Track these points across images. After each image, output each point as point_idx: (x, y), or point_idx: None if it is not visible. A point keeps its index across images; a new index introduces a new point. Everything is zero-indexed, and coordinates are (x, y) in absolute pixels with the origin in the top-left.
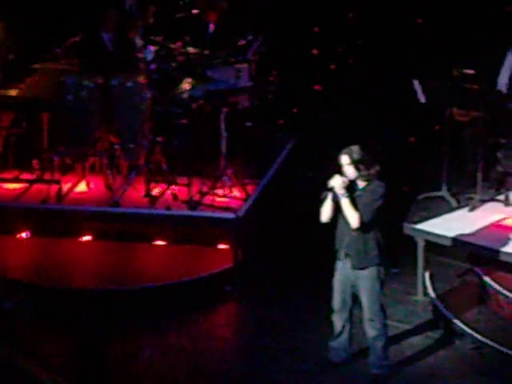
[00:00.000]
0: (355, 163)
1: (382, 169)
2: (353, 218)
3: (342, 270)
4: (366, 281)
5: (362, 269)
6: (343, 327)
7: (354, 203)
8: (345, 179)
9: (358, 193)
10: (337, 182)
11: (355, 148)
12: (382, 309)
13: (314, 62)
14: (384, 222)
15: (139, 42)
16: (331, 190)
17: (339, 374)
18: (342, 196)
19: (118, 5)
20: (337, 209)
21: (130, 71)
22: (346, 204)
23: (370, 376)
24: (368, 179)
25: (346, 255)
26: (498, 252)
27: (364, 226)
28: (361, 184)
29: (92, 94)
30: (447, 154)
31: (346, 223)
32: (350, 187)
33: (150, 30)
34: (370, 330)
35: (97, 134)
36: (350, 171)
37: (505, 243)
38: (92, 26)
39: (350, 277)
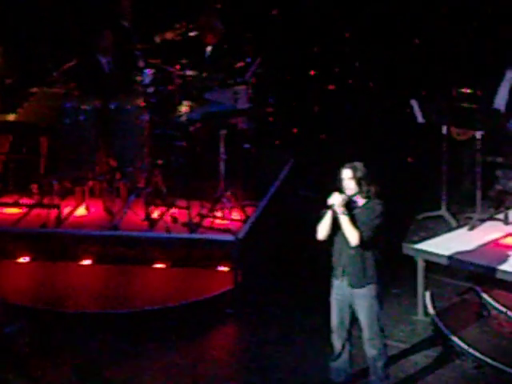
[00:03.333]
0: (357, 178)
1: (380, 188)
2: (352, 235)
3: (340, 288)
4: (364, 300)
5: (360, 287)
6: (343, 347)
7: (354, 221)
8: (344, 197)
9: (356, 210)
10: (336, 200)
11: (358, 164)
12: (381, 328)
13: (312, 83)
14: (382, 241)
15: (141, 63)
16: (330, 207)
17: None
18: (342, 214)
19: (115, 27)
20: (334, 227)
21: (127, 94)
22: (345, 222)
23: None
24: (368, 196)
25: (344, 273)
26: (497, 271)
27: (363, 244)
28: (360, 202)
29: (90, 118)
30: (446, 174)
31: (344, 241)
32: (349, 205)
33: (147, 52)
34: (371, 350)
35: (95, 157)
36: (350, 186)
37: (504, 262)
38: (89, 50)
39: (348, 295)
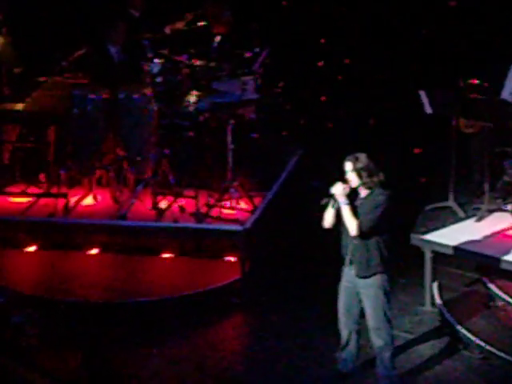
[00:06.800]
0: (358, 170)
1: (386, 178)
2: (352, 225)
3: (348, 276)
4: (369, 289)
5: (366, 277)
6: (350, 336)
7: (355, 211)
8: (346, 186)
9: (360, 201)
10: (338, 189)
11: (360, 155)
12: (388, 318)
13: (320, 74)
14: (388, 231)
15: (149, 53)
16: (332, 196)
17: None
18: (343, 203)
19: (125, 17)
20: (340, 216)
21: (136, 84)
22: (345, 211)
23: None
24: (370, 187)
25: (351, 262)
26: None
27: (364, 234)
28: (363, 192)
29: (98, 107)
30: (454, 165)
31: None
32: (353, 195)
33: (155, 42)
34: (377, 340)
35: (103, 147)
36: (352, 178)
37: None
38: (99, 39)
39: (356, 285)
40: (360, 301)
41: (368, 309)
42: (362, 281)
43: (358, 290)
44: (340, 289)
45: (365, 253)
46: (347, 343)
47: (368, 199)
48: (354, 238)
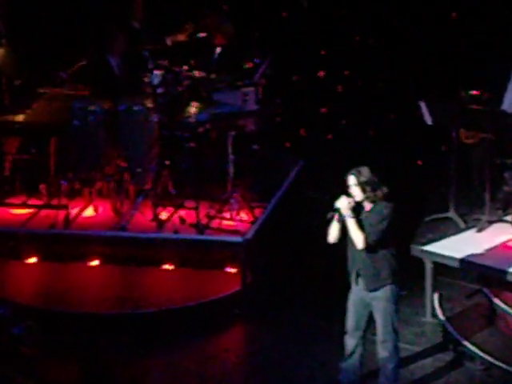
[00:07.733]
0: (361, 184)
1: (389, 190)
2: (358, 239)
3: (357, 291)
4: (379, 302)
5: (375, 290)
6: (355, 348)
7: (360, 224)
8: (351, 200)
9: (365, 215)
10: (343, 203)
11: (363, 169)
12: (395, 330)
13: (321, 85)
14: (393, 243)
15: (150, 64)
16: (337, 210)
17: None
18: (348, 217)
19: (126, 28)
20: (345, 230)
21: (136, 95)
22: (351, 225)
23: None
24: (374, 201)
25: (358, 276)
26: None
27: (371, 247)
28: (368, 206)
29: (99, 119)
30: (454, 176)
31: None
32: (358, 209)
33: (155, 53)
34: (382, 352)
35: (104, 158)
36: (356, 192)
37: None
38: (99, 51)
39: (365, 298)
40: (369, 313)
41: (378, 321)
42: (371, 294)
43: (368, 303)
44: (348, 305)
45: (373, 266)
46: (352, 354)
47: (373, 212)
48: (361, 251)
